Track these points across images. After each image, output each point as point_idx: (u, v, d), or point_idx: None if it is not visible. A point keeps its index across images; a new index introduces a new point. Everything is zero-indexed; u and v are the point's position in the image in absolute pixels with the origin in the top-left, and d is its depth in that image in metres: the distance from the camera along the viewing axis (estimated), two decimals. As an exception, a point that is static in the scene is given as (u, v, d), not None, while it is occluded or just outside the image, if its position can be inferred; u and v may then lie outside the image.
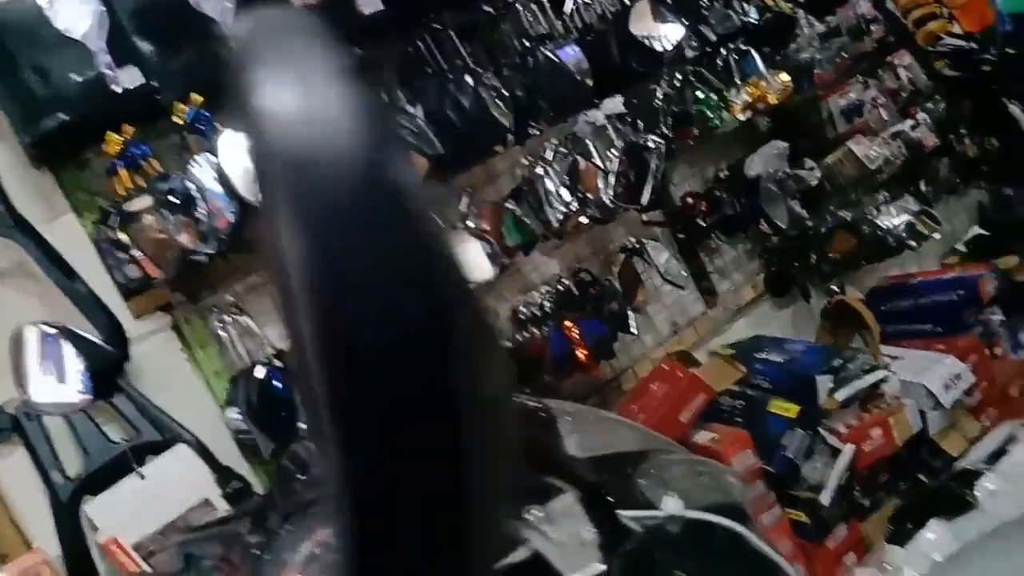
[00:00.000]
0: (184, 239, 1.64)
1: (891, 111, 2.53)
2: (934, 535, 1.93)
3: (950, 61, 1.74)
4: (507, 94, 1.93)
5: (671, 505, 0.56)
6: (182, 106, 1.66)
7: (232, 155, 1.66)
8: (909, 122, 2.57)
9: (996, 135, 1.68)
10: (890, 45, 2.58)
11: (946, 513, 1.95)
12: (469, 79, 1.87)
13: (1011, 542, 0.98)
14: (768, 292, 2.59)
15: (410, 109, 1.90)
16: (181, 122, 1.67)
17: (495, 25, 2.00)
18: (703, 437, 2.06)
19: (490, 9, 1.97)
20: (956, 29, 1.75)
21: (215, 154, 1.65)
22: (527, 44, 2.02)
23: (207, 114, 1.67)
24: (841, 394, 2.08)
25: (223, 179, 1.65)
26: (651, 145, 2.11)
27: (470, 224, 1.97)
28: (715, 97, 2.28)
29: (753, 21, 2.29)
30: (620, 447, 0.62)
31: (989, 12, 1.61)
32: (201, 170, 1.66)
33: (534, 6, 2.08)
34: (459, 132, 1.88)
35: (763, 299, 2.62)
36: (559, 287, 2.12)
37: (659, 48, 2.10)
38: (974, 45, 1.69)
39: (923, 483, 2.18)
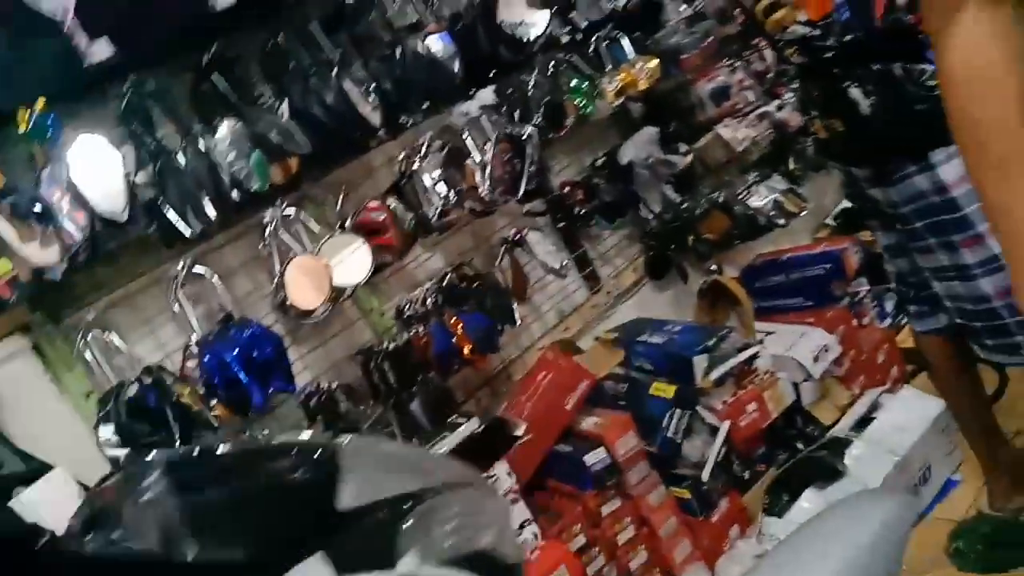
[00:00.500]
0: (35, 256, 1.53)
1: (758, 92, 2.62)
2: (808, 504, 2.03)
3: (798, 47, 1.82)
4: (375, 87, 1.89)
5: (407, 564, 0.54)
6: (25, 112, 1.54)
7: (84, 164, 1.56)
8: (775, 102, 2.67)
9: (841, 118, 1.77)
10: (756, 28, 2.66)
11: (819, 482, 2.06)
12: (333, 73, 1.82)
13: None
14: (648, 275, 2.65)
15: (275, 106, 1.84)
16: (24, 129, 1.56)
17: (361, 16, 1.95)
18: (588, 423, 2.10)
19: (352, 1, 1.91)
20: (801, 17, 1.83)
21: (66, 163, 1.55)
22: (395, 35, 1.99)
23: (53, 120, 1.56)
24: (716, 372, 2.15)
25: (74, 191, 1.55)
26: (526, 135, 2.11)
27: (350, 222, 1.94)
28: (587, 85, 2.30)
29: (621, 7, 2.31)
30: (403, 488, 0.60)
31: (828, 0, 1.69)
32: (51, 181, 1.56)
33: (401, -5, 2.04)
34: (327, 128, 1.83)
35: (645, 282, 2.68)
36: (443, 282, 2.11)
37: (528, 37, 2.09)
38: (817, 32, 1.77)
39: (800, 453, 2.28)
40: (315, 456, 0.63)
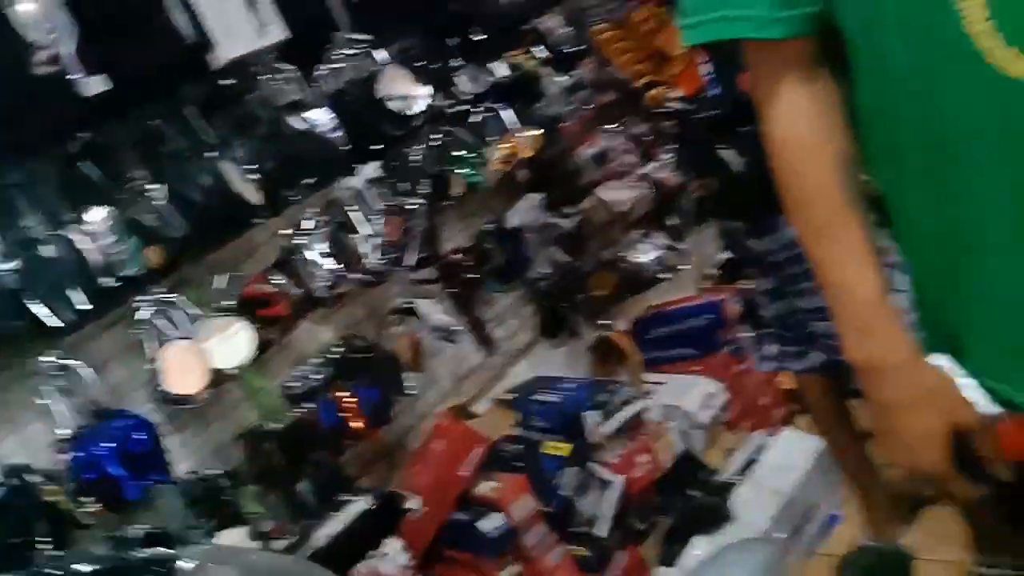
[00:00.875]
0: None
1: (636, 155, 2.75)
2: (699, 551, 2.10)
3: (675, 120, 1.98)
4: (256, 166, 1.90)
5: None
6: None
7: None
8: (652, 164, 2.80)
9: (717, 177, 1.92)
10: (631, 95, 2.80)
11: (708, 527, 2.13)
12: (210, 155, 1.82)
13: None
14: (543, 334, 2.70)
15: (151, 190, 1.82)
16: None
17: (238, 97, 1.96)
18: (484, 488, 2.11)
19: (231, 81, 1.92)
20: (676, 94, 2.00)
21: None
22: (275, 114, 2.00)
23: None
24: (607, 427, 2.21)
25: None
26: (413, 206, 2.15)
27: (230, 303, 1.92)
28: (472, 154, 2.36)
29: (501, 80, 2.40)
30: None
31: (699, 78, 1.86)
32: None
33: (281, 75, 2.06)
34: (205, 210, 1.82)
35: (539, 341, 2.74)
36: (332, 356, 2.10)
37: (410, 110, 2.15)
38: (691, 106, 1.94)
39: (692, 499, 2.35)
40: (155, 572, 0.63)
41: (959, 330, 0.82)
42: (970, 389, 0.80)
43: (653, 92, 2.15)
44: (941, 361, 0.82)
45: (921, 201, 0.80)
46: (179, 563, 0.63)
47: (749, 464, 2.32)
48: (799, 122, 0.83)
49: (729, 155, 1.88)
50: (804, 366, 2.04)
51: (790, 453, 2.32)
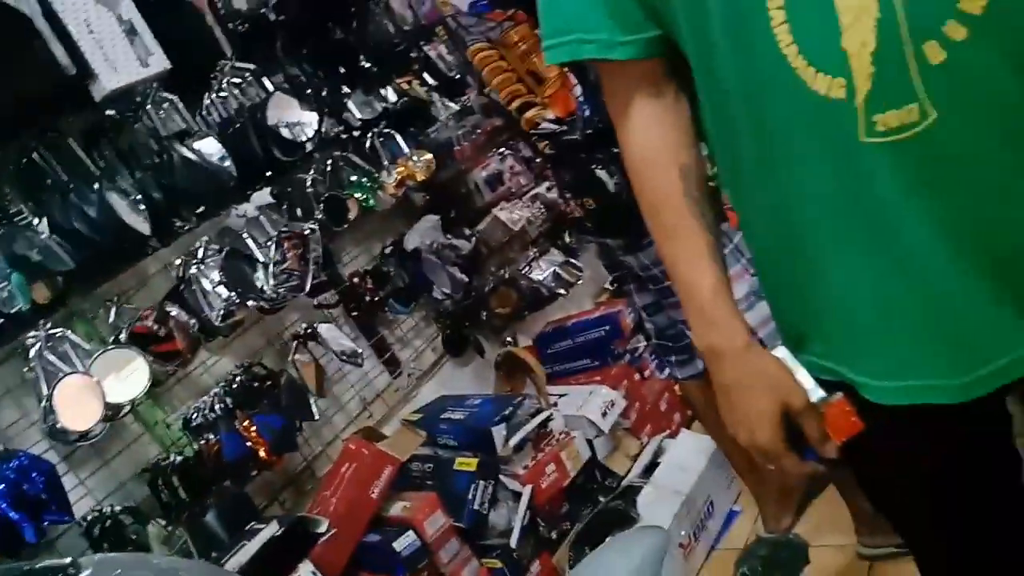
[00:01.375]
0: None
1: (528, 176, 2.84)
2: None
3: (548, 141, 2.06)
4: (144, 196, 1.88)
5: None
6: None
7: None
8: (545, 184, 2.90)
9: (592, 196, 1.99)
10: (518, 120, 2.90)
11: (615, 531, 2.19)
12: (96, 186, 1.79)
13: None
14: (447, 352, 2.74)
15: (34, 224, 1.78)
16: None
17: (122, 128, 1.93)
18: (396, 508, 2.12)
19: (113, 112, 1.90)
20: (549, 115, 2.07)
21: None
22: (162, 143, 1.99)
23: None
24: (514, 439, 2.26)
25: None
26: (307, 232, 2.16)
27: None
28: (366, 179, 2.39)
29: (392, 106, 2.45)
30: None
31: (571, 100, 1.94)
32: None
33: (167, 104, 2.04)
34: (92, 242, 1.79)
35: (445, 360, 2.77)
36: (232, 385, 2.07)
37: (301, 137, 2.16)
38: (564, 127, 2.02)
39: (600, 505, 2.41)
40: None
41: (800, 320, 0.91)
42: (804, 376, 0.89)
43: (529, 114, 2.23)
44: (780, 352, 0.91)
45: (759, 207, 0.88)
46: (72, 570, 0.63)
47: (651, 467, 2.40)
48: (646, 137, 0.92)
49: (603, 175, 1.96)
50: (688, 374, 2.12)
51: (688, 454, 2.41)
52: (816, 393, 0.89)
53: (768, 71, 0.76)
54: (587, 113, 1.91)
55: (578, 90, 1.90)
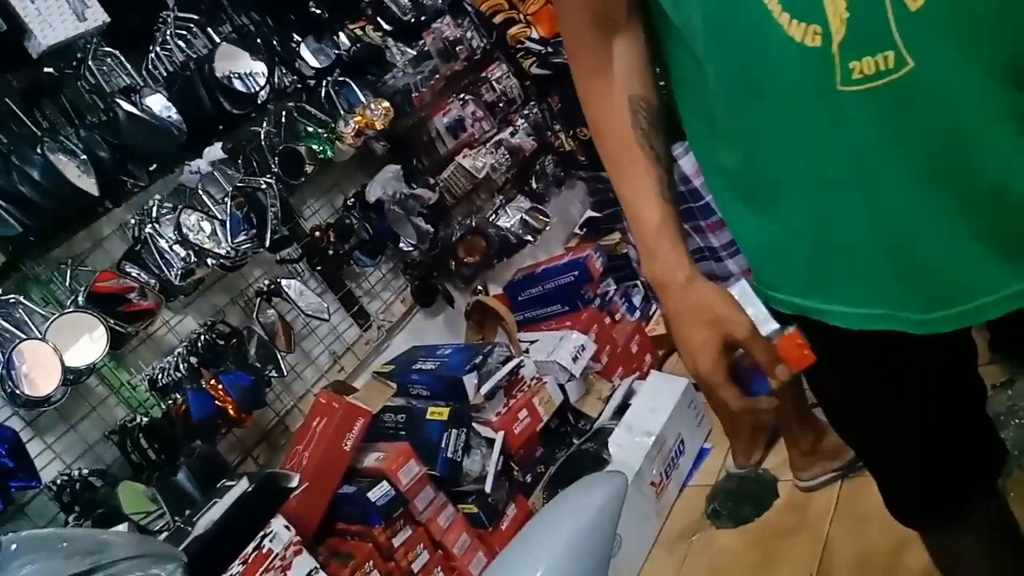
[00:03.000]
0: None
1: (491, 122, 2.79)
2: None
3: (536, 60, 1.97)
4: (91, 156, 1.82)
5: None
6: None
7: None
8: (509, 129, 2.86)
9: (587, 125, 1.96)
10: (480, 62, 2.84)
11: (587, 472, 2.22)
12: (37, 147, 1.73)
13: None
14: (417, 303, 2.73)
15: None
16: None
17: (63, 85, 1.87)
18: (370, 459, 2.13)
19: (51, 70, 1.83)
20: (534, 33, 1.99)
21: None
22: (107, 100, 1.92)
23: None
24: (486, 387, 2.26)
25: None
26: (263, 185, 2.12)
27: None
28: (323, 130, 2.34)
29: (346, 53, 2.38)
30: (74, 569, 0.62)
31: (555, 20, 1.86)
32: None
33: (109, 60, 1.98)
34: (40, 205, 1.74)
35: (415, 311, 2.76)
36: (196, 344, 2.05)
37: (252, 88, 2.10)
38: (549, 49, 1.94)
39: (573, 447, 2.44)
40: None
41: (766, 252, 0.91)
42: (756, 310, 0.89)
43: (512, 31, 2.16)
44: (736, 288, 0.91)
45: (728, 141, 0.86)
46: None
47: (622, 409, 2.42)
48: (596, 68, 0.90)
49: None
50: None
51: (658, 394, 2.43)
52: (769, 326, 0.89)
53: (744, 16, 0.74)
54: None
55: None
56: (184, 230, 1.95)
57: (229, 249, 2.02)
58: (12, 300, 1.76)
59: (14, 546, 0.61)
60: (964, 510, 1.01)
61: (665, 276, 0.91)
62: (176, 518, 1.76)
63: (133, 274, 1.95)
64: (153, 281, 1.97)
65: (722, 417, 2.29)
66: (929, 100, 0.71)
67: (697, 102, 0.89)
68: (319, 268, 2.45)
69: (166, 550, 0.90)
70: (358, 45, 2.40)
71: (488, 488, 2.18)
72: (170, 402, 1.95)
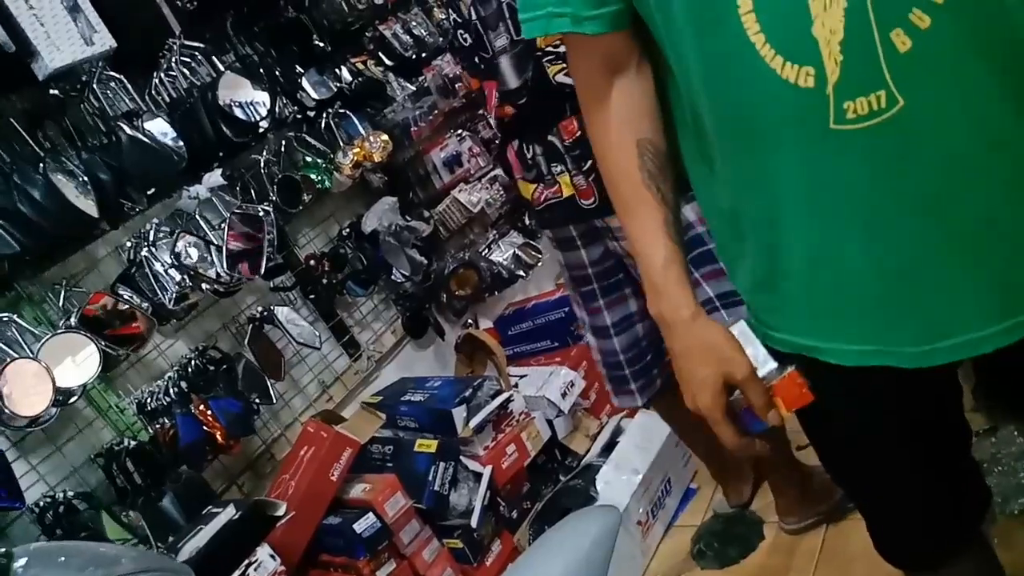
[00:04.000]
0: None
1: (486, 158, 2.83)
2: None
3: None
4: (91, 178, 1.83)
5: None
6: None
7: None
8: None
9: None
10: (477, 99, 2.88)
11: (574, 509, 2.21)
12: (38, 167, 1.75)
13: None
14: (407, 335, 2.73)
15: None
16: None
17: (67, 108, 1.89)
18: (356, 490, 2.12)
19: (57, 92, 1.85)
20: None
21: None
22: (110, 124, 1.94)
23: None
24: (475, 420, 2.26)
25: None
26: (260, 213, 2.13)
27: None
28: (322, 160, 2.37)
29: (347, 86, 2.42)
30: None
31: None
32: None
33: (113, 84, 2.00)
34: (38, 225, 1.74)
35: (405, 342, 2.76)
36: (187, 369, 2.05)
37: (253, 117, 2.13)
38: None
39: (560, 484, 2.43)
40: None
41: (761, 289, 0.93)
42: (756, 350, 0.91)
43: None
44: (737, 328, 0.94)
45: (723, 181, 0.89)
46: (3, 560, 0.63)
47: (610, 446, 2.43)
48: (606, 111, 0.93)
49: None
50: (649, 395, 1.99)
51: (646, 434, 2.43)
52: (768, 366, 0.91)
53: (735, 58, 0.77)
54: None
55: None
56: (179, 255, 1.95)
57: (222, 273, 2.02)
58: (5, 319, 1.76)
59: (24, 559, 0.61)
60: (953, 551, 1.03)
61: (671, 313, 0.93)
62: (159, 544, 1.75)
63: (126, 296, 1.95)
64: (146, 304, 1.97)
65: (709, 461, 2.28)
66: (920, 136, 0.75)
67: (696, 144, 0.92)
68: (312, 296, 2.45)
69: (174, 565, 0.89)
70: (359, 79, 2.43)
71: (474, 523, 2.17)
72: (158, 426, 1.94)
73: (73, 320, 1.83)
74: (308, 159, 2.35)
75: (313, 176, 2.33)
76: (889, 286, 0.81)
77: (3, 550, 0.66)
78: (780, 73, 0.75)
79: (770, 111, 0.78)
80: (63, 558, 0.67)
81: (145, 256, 1.97)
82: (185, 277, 1.97)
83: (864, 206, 0.79)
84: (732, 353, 0.90)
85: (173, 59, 2.08)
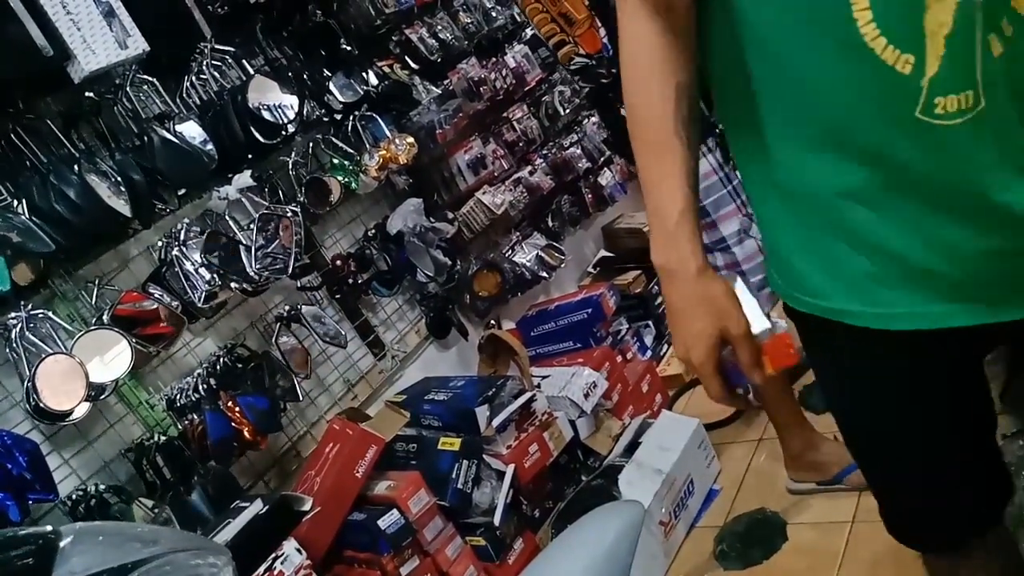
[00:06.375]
0: None
1: (510, 161, 2.85)
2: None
3: (580, 77, 2.15)
4: (124, 178, 1.88)
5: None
6: None
7: None
8: (528, 168, 2.92)
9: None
10: (502, 102, 2.91)
11: (596, 508, 2.22)
12: (74, 168, 1.79)
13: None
14: (431, 335, 2.76)
15: (13, 206, 1.78)
16: None
17: (101, 110, 1.93)
18: (381, 487, 2.14)
19: (92, 95, 1.90)
20: (581, 51, 2.18)
21: None
22: (142, 125, 1.99)
23: None
24: (498, 420, 2.28)
25: None
26: (288, 214, 2.16)
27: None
28: (348, 162, 2.40)
29: (374, 89, 2.45)
30: (127, 558, 0.65)
31: (598, 39, 2.04)
32: None
33: (146, 87, 2.05)
34: (73, 224, 1.79)
35: (429, 342, 2.79)
36: (216, 366, 2.08)
37: (282, 119, 2.16)
38: (593, 63, 2.10)
39: (582, 483, 2.44)
40: (34, 544, 0.65)
41: (817, 262, 0.92)
42: (752, 308, 0.93)
43: (563, 51, 2.33)
44: (736, 285, 0.94)
45: (785, 150, 0.87)
46: (52, 536, 0.65)
47: (632, 447, 2.43)
48: (643, 52, 0.91)
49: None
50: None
51: (669, 434, 2.43)
52: (762, 324, 0.93)
53: (831, 31, 0.76)
54: (611, 52, 1.96)
55: (602, 31, 1.96)
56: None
57: (255, 273, 2.05)
58: (40, 315, 1.80)
59: (71, 536, 0.63)
60: (972, 534, 1.02)
61: (677, 264, 0.93)
62: (188, 537, 1.78)
63: (156, 295, 1.99)
64: (176, 303, 2.01)
65: (777, 425, 2.20)
66: (994, 136, 0.76)
67: (748, 108, 0.89)
68: (338, 296, 2.48)
69: (211, 545, 0.91)
70: (386, 82, 2.47)
71: (497, 521, 2.19)
72: (187, 422, 1.97)
73: (106, 317, 1.87)
74: (335, 161, 2.39)
75: (340, 178, 2.36)
76: (965, 263, 0.82)
77: (51, 528, 0.69)
78: (880, 54, 0.75)
79: (855, 85, 0.78)
80: (101, 537, 0.70)
81: (176, 255, 2.01)
82: (215, 276, 2.00)
83: (921, 194, 0.80)
84: (733, 309, 0.91)
85: (204, 63, 2.12)
